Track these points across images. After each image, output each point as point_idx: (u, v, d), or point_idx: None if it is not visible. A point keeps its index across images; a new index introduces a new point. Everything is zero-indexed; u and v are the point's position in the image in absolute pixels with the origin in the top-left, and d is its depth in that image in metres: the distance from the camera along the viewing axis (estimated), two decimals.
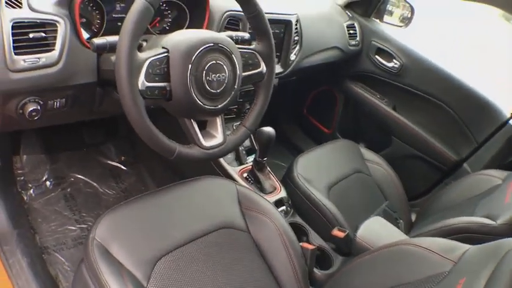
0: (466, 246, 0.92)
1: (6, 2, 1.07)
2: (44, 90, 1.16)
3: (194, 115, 1.11)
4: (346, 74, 2.39)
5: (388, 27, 2.28)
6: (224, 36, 1.14)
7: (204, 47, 1.04)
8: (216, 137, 1.17)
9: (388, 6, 2.29)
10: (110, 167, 2.11)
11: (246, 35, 1.34)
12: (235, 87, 1.14)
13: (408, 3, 2.20)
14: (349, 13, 2.28)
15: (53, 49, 1.12)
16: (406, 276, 0.93)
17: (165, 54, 1.02)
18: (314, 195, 1.58)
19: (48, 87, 1.15)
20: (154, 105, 1.07)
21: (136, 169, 2.13)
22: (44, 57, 1.11)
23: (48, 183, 1.90)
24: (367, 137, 2.43)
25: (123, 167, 2.12)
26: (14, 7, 1.08)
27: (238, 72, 1.13)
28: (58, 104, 1.23)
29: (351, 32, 2.20)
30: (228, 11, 1.48)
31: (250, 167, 1.68)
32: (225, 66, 1.09)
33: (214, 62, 1.07)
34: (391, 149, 2.27)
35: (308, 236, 1.57)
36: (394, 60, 2.17)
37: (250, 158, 1.79)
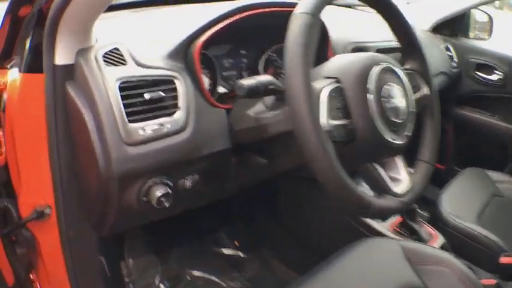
0: None
1: (105, 60, 0.87)
2: (173, 166, 0.94)
3: (379, 155, 0.90)
4: (451, 100, 2.28)
5: (476, 41, 2.23)
6: (385, 55, 0.94)
7: (379, 67, 0.86)
8: (400, 179, 0.94)
9: None
10: (227, 257, 1.88)
11: None
12: (413, 112, 0.93)
13: (486, 12, 2.17)
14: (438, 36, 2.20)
15: (175, 111, 0.92)
16: None
17: (337, 84, 0.82)
18: (472, 229, 1.48)
19: (178, 161, 0.94)
20: None
21: (257, 253, 1.89)
22: (168, 123, 0.90)
23: (162, 286, 1.68)
24: (487, 159, 2.27)
25: (241, 254, 1.89)
26: (116, 65, 0.88)
27: (408, 94, 0.92)
28: (190, 183, 1.00)
29: (449, 54, 2.14)
30: (351, 43, 1.32)
31: (400, 218, 1.45)
32: (398, 90, 0.88)
33: (388, 84, 0.86)
34: None
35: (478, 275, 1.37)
36: (496, 72, 2.10)
37: None
